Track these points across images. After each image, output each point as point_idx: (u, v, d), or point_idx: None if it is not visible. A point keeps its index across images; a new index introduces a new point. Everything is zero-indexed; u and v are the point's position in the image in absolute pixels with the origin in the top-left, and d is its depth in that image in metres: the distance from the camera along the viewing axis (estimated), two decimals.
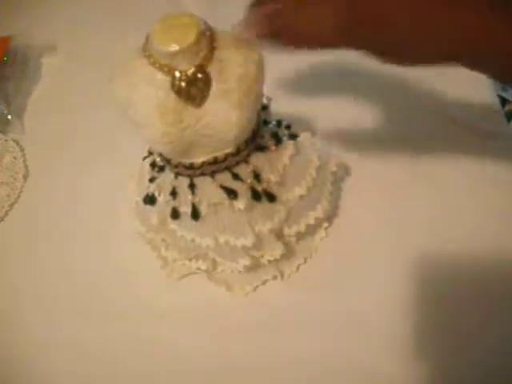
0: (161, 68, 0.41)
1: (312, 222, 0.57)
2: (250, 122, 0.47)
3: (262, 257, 0.57)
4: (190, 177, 0.50)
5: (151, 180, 0.55)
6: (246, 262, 0.56)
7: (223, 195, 0.50)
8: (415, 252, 0.62)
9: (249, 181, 0.50)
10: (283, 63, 0.81)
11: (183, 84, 0.41)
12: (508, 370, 0.54)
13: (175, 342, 0.61)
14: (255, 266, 0.59)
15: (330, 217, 0.65)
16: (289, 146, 0.53)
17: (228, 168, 0.49)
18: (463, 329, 0.56)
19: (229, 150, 0.47)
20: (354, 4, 0.36)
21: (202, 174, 0.49)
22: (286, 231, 0.57)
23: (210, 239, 0.54)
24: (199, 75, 0.41)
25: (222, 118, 0.43)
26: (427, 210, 0.65)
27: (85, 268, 0.68)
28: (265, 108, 0.54)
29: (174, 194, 0.52)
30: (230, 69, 0.42)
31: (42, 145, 0.84)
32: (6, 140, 0.83)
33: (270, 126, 0.54)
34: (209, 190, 0.50)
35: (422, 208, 0.65)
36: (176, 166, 0.50)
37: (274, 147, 0.51)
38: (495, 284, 0.58)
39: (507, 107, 1.17)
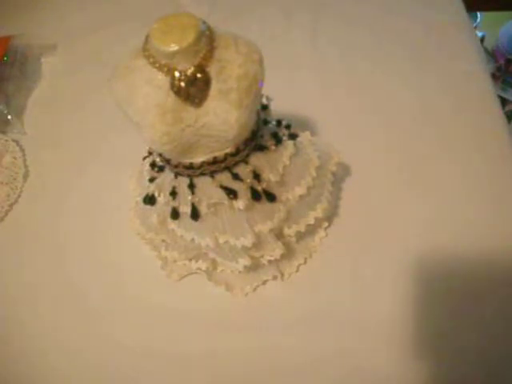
0: (160, 68, 0.41)
1: (312, 221, 0.57)
2: (250, 122, 0.47)
3: (262, 257, 0.57)
4: (190, 177, 0.50)
5: (151, 180, 0.55)
6: (245, 262, 0.55)
7: (223, 195, 0.50)
8: (415, 252, 0.62)
9: (248, 181, 0.50)
10: (283, 63, 0.82)
11: (182, 84, 0.41)
12: (508, 369, 0.54)
13: (175, 341, 0.61)
14: (255, 266, 0.59)
15: (329, 217, 0.65)
16: (289, 146, 0.53)
17: (228, 168, 0.49)
18: (463, 328, 0.56)
19: (228, 150, 0.47)
20: None
21: (202, 174, 0.49)
22: (286, 231, 0.57)
23: (210, 239, 0.53)
24: (199, 75, 0.41)
25: (221, 118, 0.42)
26: (427, 209, 0.65)
27: (84, 268, 0.68)
28: (265, 108, 0.54)
29: (173, 193, 0.52)
30: (230, 68, 0.42)
31: (41, 145, 0.84)
32: (6, 140, 0.83)
33: (270, 125, 0.54)
34: (208, 189, 0.50)
35: (421, 208, 0.65)
36: (176, 166, 0.49)
37: (273, 147, 0.51)
38: (495, 284, 0.58)
39: (507, 107, 1.17)
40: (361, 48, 0.85)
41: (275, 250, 0.56)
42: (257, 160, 0.50)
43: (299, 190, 0.54)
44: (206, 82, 0.41)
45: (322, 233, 0.64)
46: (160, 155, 0.51)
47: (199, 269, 0.60)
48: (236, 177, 0.49)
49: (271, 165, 0.52)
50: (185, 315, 0.62)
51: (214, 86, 0.42)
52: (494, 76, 1.22)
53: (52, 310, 0.66)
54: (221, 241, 0.53)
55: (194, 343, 0.60)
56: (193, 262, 0.60)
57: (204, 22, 0.42)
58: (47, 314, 0.66)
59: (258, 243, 0.54)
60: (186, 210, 0.52)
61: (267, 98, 0.54)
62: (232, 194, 0.49)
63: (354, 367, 0.56)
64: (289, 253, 0.60)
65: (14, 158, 0.81)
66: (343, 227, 0.65)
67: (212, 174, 0.49)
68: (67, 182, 0.78)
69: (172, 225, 0.55)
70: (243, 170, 0.50)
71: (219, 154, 0.47)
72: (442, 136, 0.72)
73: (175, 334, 0.61)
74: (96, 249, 0.70)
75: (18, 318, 0.66)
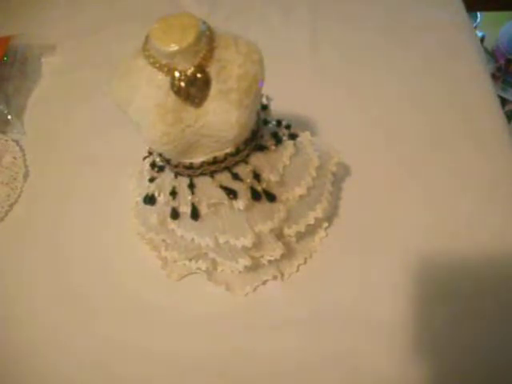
0: (160, 68, 0.41)
1: (312, 222, 0.57)
2: (250, 122, 0.47)
3: (262, 257, 0.57)
4: (190, 177, 0.50)
5: (151, 180, 0.55)
6: (246, 262, 0.55)
7: (223, 195, 0.50)
8: (415, 252, 0.62)
9: (248, 180, 0.50)
10: (283, 63, 0.82)
11: (182, 84, 0.41)
12: (508, 369, 0.54)
13: (175, 341, 0.61)
14: (255, 266, 0.59)
15: (329, 217, 0.65)
16: (288, 146, 0.53)
17: (228, 168, 0.49)
18: (463, 329, 0.56)
19: (228, 150, 0.47)
20: None
21: (202, 174, 0.49)
22: (286, 231, 0.57)
23: (210, 239, 0.54)
24: (199, 75, 0.41)
25: (221, 118, 0.42)
26: (427, 209, 0.65)
27: (84, 268, 0.68)
28: (265, 108, 0.54)
29: (173, 193, 0.52)
30: (230, 69, 0.42)
31: (42, 145, 0.84)
32: (6, 140, 0.83)
33: (270, 125, 0.54)
34: (208, 189, 0.50)
35: (421, 208, 0.65)
36: (176, 166, 0.50)
37: (273, 147, 0.51)
38: (495, 284, 0.58)
39: (507, 107, 1.17)
40: (360, 48, 0.85)
41: (275, 250, 0.56)
42: (257, 160, 0.50)
43: (299, 190, 0.54)
44: (206, 82, 0.41)
45: (322, 233, 0.64)
46: (160, 155, 0.51)
47: (199, 269, 0.60)
48: (236, 177, 0.49)
49: (271, 165, 0.52)
50: (185, 315, 0.62)
51: (214, 86, 0.42)
52: (494, 76, 1.22)
53: (52, 310, 0.66)
54: (221, 241, 0.53)
55: (194, 343, 0.60)
56: (193, 262, 0.60)
57: (204, 22, 0.42)
58: (47, 314, 0.66)
59: (258, 243, 0.54)
60: (185, 210, 0.52)
61: (267, 98, 0.54)
62: (232, 194, 0.49)
63: (354, 367, 0.56)
64: (289, 253, 0.60)
65: (14, 158, 0.81)
66: (343, 227, 0.65)
67: (212, 174, 0.49)
68: (67, 182, 0.78)
69: (172, 225, 0.55)
70: (243, 170, 0.50)
71: (219, 153, 0.47)
72: (442, 136, 0.72)
73: (175, 333, 0.61)
74: (96, 249, 0.70)
75: (17, 318, 0.66)
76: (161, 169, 0.54)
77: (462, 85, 0.76)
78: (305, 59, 0.86)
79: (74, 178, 0.78)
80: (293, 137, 0.55)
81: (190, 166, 0.49)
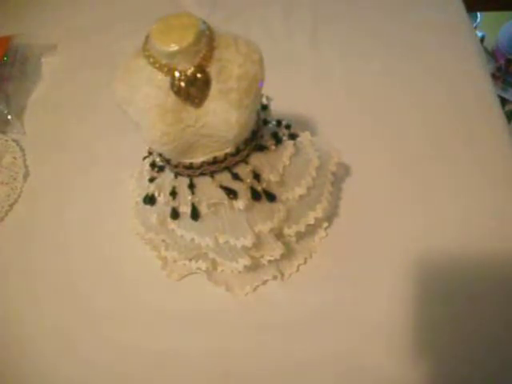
0: (160, 68, 0.41)
1: (312, 221, 0.57)
2: (250, 122, 0.47)
3: (262, 257, 0.57)
4: (190, 177, 0.50)
5: (151, 180, 0.55)
6: (246, 262, 0.55)
7: (223, 195, 0.50)
8: (415, 251, 0.62)
9: (248, 181, 0.50)
10: (283, 63, 0.82)
11: (182, 84, 0.41)
12: (508, 369, 0.54)
13: (175, 342, 0.61)
14: (255, 266, 0.59)
15: (329, 217, 0.65)
16: (288, 146, 0.53)
17: (227, 168, 0.49)
18: (463, 328, 0.56)
19: (228, 150, 0.47)
20: None
21: (202, 174, 0.49)
22: (286, 231, 0.57)
23: (210, 239, 0.54)
24: (198, 75, 0.41)
25: (221, 118, 0.42)
26: (427, 210, 0.65)
27: (83, 268, 0.68)
28: (265, 108, 0.54)
29: (173, 193, 0.52)
30: (230, 68, 0.42)
31: (41, 145, 0.84)
32: (6, 140, 0.83)
33: (270, 125, 0.54)
34: (208, 189, 0.50)
35: (421, 208, 0.65)
36: (176, 166, 0.50)
37: (273, 147, 0.51)
38: (494, 284, 0.58)
39: (507, 107, 1.17)
40: (361, 48, 0.85)
41: (275, 250, 0.56)
42: (257, 160, 0.50)
43: (299, 190, 0.54)
44: (206, 82, 0.41)
45: (322, 233, 0.64)
46: (160, 155, 0.51)
47: (199, 269, 0.60)
48: (236, 177, 0.49)
49: (271, 165, 0.52)
50: (185, 315, 0.62)
51: (214, 86, 0.42)
52: (493, 76, 1.22)
53: (52, 310, 0.66)
54: (221, 241, 0.53)
55: (194, 343, 0.60)
56: (193, 262, 0.60)
57: (204, 22, 0.42)
58: (47, 313, 0.66)
59: (258, 243, 0.54)
60: (185, 210, 0.52)
61: (267, 98, 0.54)
62: (232, 194, 0.49)
63: (354, 367, 0.56)
64: (289, 253, 0.60)
65: (14, 158, 0.81)
66: (343, 227, 0.65)
67: (212, 174, 0.49)
68: (67, 182, 0.78)
69: (172, 225, 0.55)
70: (243, 170, 0.50)
71: (219, 153, 0.47)
72: (442, 136, 0.72)
73: (175, 333, 0.61)
74: (96, 249, 0.70)
75: (17, 317, 0.66)
76: (161, 169, 0.54)
77: (462, 85, 0.76)
78: (305, 59, 0.86)
79: (74, 177, 0.78)
80: (293, 137, 0.55)
81: (190, 166, 0.49)
